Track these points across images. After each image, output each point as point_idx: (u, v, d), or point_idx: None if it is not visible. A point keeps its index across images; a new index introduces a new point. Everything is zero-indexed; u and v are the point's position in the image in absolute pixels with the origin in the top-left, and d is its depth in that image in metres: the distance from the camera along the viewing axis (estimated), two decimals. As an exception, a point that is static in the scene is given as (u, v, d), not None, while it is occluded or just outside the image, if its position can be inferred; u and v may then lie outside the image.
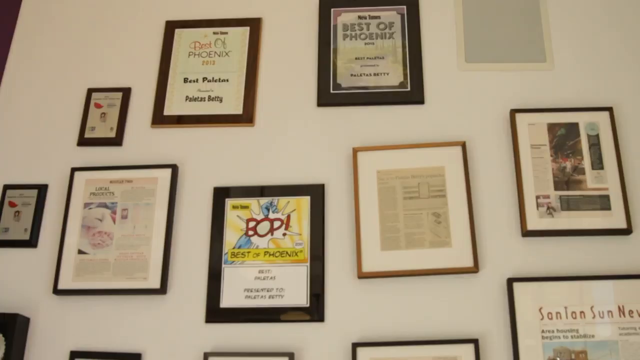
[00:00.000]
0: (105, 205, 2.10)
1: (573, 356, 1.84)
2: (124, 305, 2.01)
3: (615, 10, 2.25)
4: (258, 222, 2.03)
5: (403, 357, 1.85)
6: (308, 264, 1.97)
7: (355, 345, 1.87)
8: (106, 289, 2.01)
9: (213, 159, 2.15)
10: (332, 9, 2.29)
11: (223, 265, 2.00)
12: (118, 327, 1.99)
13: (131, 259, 2.02)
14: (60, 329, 2.00)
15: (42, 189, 2.16)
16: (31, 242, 2.09)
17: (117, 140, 2.20)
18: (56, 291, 2.01)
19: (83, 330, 1.99)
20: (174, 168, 2.11)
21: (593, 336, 1.86)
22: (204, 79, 2.26)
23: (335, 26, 2.27)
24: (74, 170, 2.15)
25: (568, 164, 2.03)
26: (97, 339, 1.98)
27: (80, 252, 2.05)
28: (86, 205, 2.10)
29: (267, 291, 1.95)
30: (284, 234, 2.01)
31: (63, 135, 2.24)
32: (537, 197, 1.99)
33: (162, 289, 1.98)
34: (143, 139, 2.21)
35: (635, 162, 2.04)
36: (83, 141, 2.22)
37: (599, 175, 2.01)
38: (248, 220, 2.04)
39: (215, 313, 1.95)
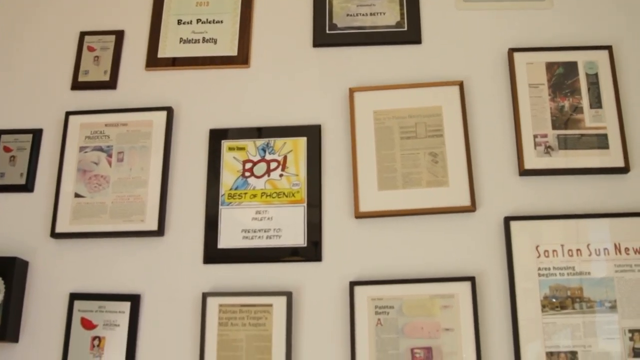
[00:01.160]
0: (100, 149, 2.08)
1: (569, 293, 1.85)
2: (122, 247, 2.01)
3: (616, -53, 2.20)
4: (254, 164, 2.02)
5: (400, 295, 1.86)
6: (305, 204, 1.96)
7: (352, 284, 1.88)
8: (104, 232, 2.01)
9: (208, 101, 2.13)
10: (327, -52, 2.24)
11: (220, 207, 1.99)
12: (116, 269, 1.99)
13: (128, 202, 2.01)
14: (58, 271, 2.00)
15: (36, 134, 2.14)
16: (27, 186, 2.08)
17: (111, 84, 2.18)
18: (54, 234, 2.01)
19: (82, 272, 2.00)
20: (169, 111, 2.09)
21: (589, 273, 1.86)
22: (198, 20, 2.22)
23: (330, -35, 2.22)
24: (68, 114, 2.13)
25: (566, 103, 2.01)
26: (96, 281, 1.99)
27: (77, 195, 2.04)
28: (81, 149, 2.09)
29: (265, 232, 1.95)
30: (281, 175, 2.00)
31: (57, 80, 2.22)
32: (535, 137, 1.98)
33: (160, 231, 1.98)
34: (137, 82, 2.19)
35: (633, 101, 2.02)
36: (77, 85, 2.19)
37: (597, 115, 2.00)
38: (244, 162, 2.03)
39: (213, 254, 1.96)
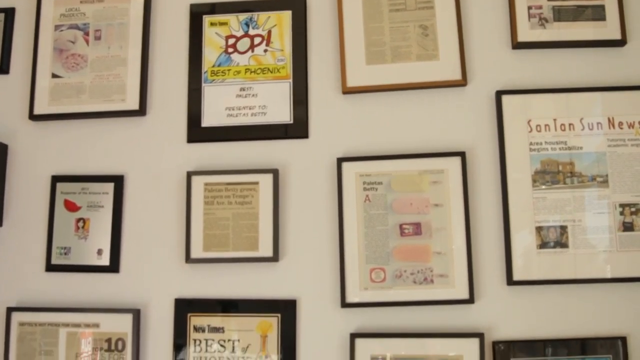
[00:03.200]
0: (77, 27, 2.00)
1: (560, 168, 1.82)
2: (104, 128, 1.96)
3: None
4: (238, 39, 1.94)
5: (389, 171, 1.83)
6: (291, 80, 1.90)
7: (340, 160, 1.84)
8: (83, 113, 1.95)
9: (187, -26, 2.03)
10: None
11: (203, 85, 1.93)
12: (98, 151, 1.95)
13: (107, 81, 1.94)
14: (39, 154, 1.96)
15: (9, 13, 2.05)
16: (2, 68, 2.01)
17: (84, -40, 2.06)
18: (32, 116, 1.95)
19: (63, 154, 1.95)
20: (146, -16, 1.99)
21: (581, 148, 1.83)
22: None
23: None
24: (40, -10, 2.03)
25: (562, -27, 1.92)
26: (78, 163, 1.94)
27: (54, 76, 1.97)
28: (57, 27, 2.01)
29: (250, 109, 1.89)
30: (265, 50, 1.92)
31: (27, -44, 2.10)
32: (529, 8, 1.91)
33: (141, 111, 1.92)
34: (112, -42, 2.07)
35: (634, -30, 1.93)
36: (47, -40, 2.08)
37: (595, -15, 1.91)
38: (227, 37, 1.95)
39: (197, 132, 1.91)
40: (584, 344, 1.74)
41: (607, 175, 1.80)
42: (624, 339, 1.74)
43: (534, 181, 1.81)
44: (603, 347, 1.75)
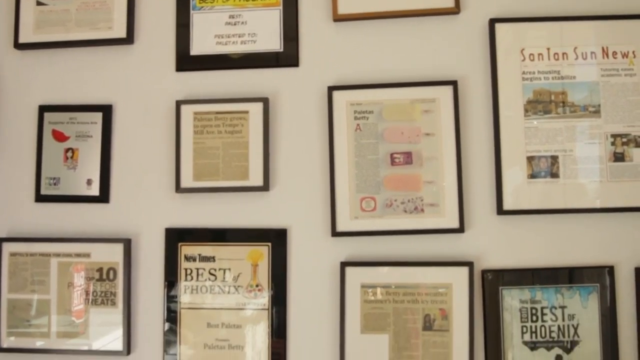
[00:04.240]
0: (61, -47, 1.94)
1: (552, 97, 1.81)
2: (91, 57, 1.93)
3: None
4: (226, -35, 1.90)
5: (380, 100, 1.81)
6: (281, 7, 1.87)
7: (331, 89, 1.82)
8: (70, 41, 1.91)
9: None
10: None
11: (191, 12, 1.89)
12: (86, 80, 1.92)
13: (94, 8, 1.91)
14: (25, 84, 1.93)
15: (-9, -62, 1.98)
16: (-15, -5, 1.95)
17: None
18: (17, 45, 1.92)
19: (50, 84, 1.92)
20: None
21: (574, 78, 1.81)
22: None
23: None
24: None
25: None
26: (66, 92, 1.92)
27: (38, 3, 1.94)
28: (40, -47, 1.94)
29: (239, 37, 1.86)
30: (255, -24, 1.88)
31: None
32: None
33: (129, 39, 1.89)
34: None
35: None
36: None
37: None
38: (215, -37, 1.90)
39: (186, 61, 1.88)
40: (571, 273, 1.76)
41: (599, 105, 1.78)
42: (611, 269, 1.76)
43: (526, 111, 1.79)
44: (590, 277, 1.76)
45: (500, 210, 1.77)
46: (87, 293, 1.82)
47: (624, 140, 1.78)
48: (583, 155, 1.78)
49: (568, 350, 1.75)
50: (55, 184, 1.86)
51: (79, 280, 1.83)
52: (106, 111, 1.87)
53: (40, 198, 1.87)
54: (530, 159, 1.78)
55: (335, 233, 1.78)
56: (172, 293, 1.81)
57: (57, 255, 1.84)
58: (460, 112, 1.79)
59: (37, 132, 1.89)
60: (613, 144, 1.78)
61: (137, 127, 1.87)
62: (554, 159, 1.78)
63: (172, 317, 1.80)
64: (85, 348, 1.81)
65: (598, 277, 1.76)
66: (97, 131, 1.87)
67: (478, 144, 1.79)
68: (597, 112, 1.78)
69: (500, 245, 1.78)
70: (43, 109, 1.89)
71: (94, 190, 1.85)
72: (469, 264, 1.75)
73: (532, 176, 1.78)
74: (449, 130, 1.78)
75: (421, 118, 1.79)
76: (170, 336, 1.80)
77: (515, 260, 1.77)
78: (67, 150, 1.87)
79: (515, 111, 1.79)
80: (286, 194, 1.82)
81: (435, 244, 1.78)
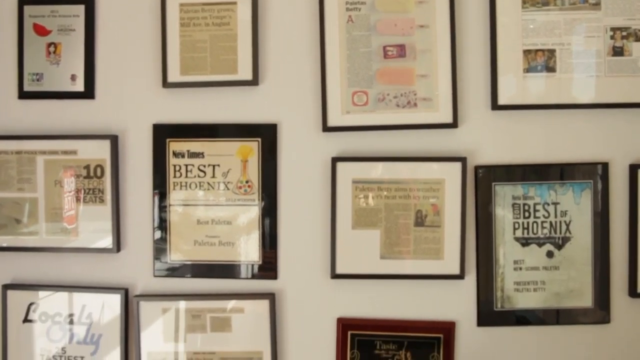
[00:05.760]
0: None
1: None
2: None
3: None
4: None
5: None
6: None
7: (322, -22, 1.74)
8: None
9: None
10: None
11: None
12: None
13: None
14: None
15: None
16: None
17: None
18: None
19: (29, -25, 1.83)
20: None
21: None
22: None
23: None
24: None
25: None
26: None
27: None
28: None
29: None
30: None
31: None
32: None
33: None
34: None
35: None
36: None
37: None
38: None
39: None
40: (565, 170, 1.74)
41: (600, -3, 1.73)
42: (605, 165, 1.74)
43: (524, 2, 1.74)
44: (584, 173, 1.74)
45: (495, 105, 1.73)
46: (76, 192, 1.79)
47: (624, 34, 1.73)
48: (581, 49, 1.74)
49: (559, 247, 1.75)
50: (38, 80, 1.81)
51: (66, 177, 1.79)
52: (89, 3, 1.80)
53: (23, 95, 1.82)
54: (526, 52, 1.73)
55: (326, 128, 1.74)
56: (161, 190, 1.78)
57: (43, 152, 1.81)
58: (456, 3, 1.73)
59: (17, 27, 1.81)
60: (612, 37, 1.73)
61: (122, 19, 1.80)
62: (551, 52, 1.73)
63: (161, 214, 1.78)
64: (75, 246, 1.79)
65: (592, 173, 1.74)
66: (80, 25, 1.80)
67: (474, 37, 1.74)
68: (597, 5, 1.73)
69: (494, 140, 1.75)
70: (22, 2, 1.83)
71: (79, 86, 1.80)
72: (462, 160, 1.72)
73: (528, 70, 1.74)
74: (443, 22, 1.72)
75: (415, 9, 1.73)
76: (160, 233, 1.78)
77: (509, 156, 1.75)
78: (49, 45, 1.81)
79: (512, 2, 1.72)
80: (276, 89, 1.77)
81: (428, 140, 1.75)
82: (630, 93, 1.73)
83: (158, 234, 1.78)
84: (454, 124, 1.72)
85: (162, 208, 1.78)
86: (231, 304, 1.78)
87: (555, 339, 1.77)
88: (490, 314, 1.76)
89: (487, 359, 1.78)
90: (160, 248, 1.78)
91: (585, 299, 1.76)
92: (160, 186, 1.78)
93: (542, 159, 1.74)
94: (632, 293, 1.75)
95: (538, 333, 1.77)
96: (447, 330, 1.76)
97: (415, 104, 1.73)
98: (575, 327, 1.76)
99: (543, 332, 1.77)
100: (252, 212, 1.76)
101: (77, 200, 1.79)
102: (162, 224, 1.78)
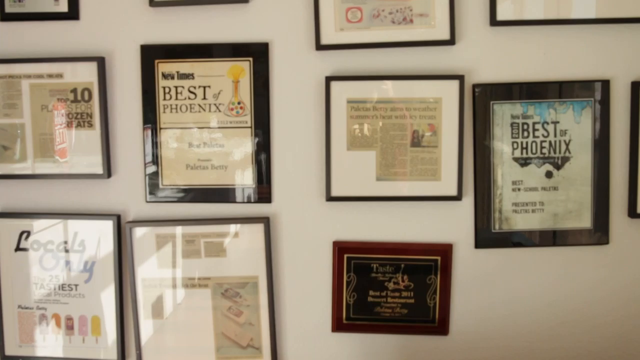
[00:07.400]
0: None
1: None
2: None
3: None
4: None
5: None
6: None
7: None
8: None
9: None
10: None
11: None
12: None
13: None
14: None
15: None
16: None
17: None
18: None
19: None
20: None
21: None
22: None
23: None
24: None
25: None
26: None
27: None
28: None
29: None
30: None
31: None
32: None
33: None
34: None
35: None
36: None
37: None
38: None
39: None
40: (565, 87, 1.69)
41: None
42: (606, 83, 1.69)
43: None
44: (585, 91, 1.70)
45: (494, 21, 1.68)
46: (62, 116, 1.74)
47: (630, -56, 1.66)
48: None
49: (558, 167, 1.72)
50: (20, 1, 1.74)
51: (52, 101, 1.74)
52: None
53: (5, 17, 1.76)
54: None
55: (319, 46, 1.69)
56: (150, 113, 1.73)
57: (28, 76, 1.75)
58: None
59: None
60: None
61: None
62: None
63: (151, 138, 1.74)
64: (64, 172, 1.75)
65: (593, 91, 1.69)
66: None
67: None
68: None
69: (492, 58, 1.70)
70: None
71: (62, 6, 1.74)
72: (460, 78, 1.68)
73: (528, -17, 1.67)
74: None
75: None
76: (151, 157, 1.74)
77: (507, 74, 1.70)
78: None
79: None
80: (267, 5, 1.71)
81: (425, 57, 1.70)
82: (633, 8, 1.67)
83: (149, 159, 1.74)
84: (451, 41, 1.67)
85: (153, 132, 1.74)
86: (225, 228, 1.75)
87: (553, 261, 1.75)
88: (488, 235, 1.74)
89: (485, 281, 1.76)
90: (151, 173, 1.74)
91: (584, 220, 1.73)
92: (150, 110, 1.72)
93: (542, 77, 1.70)
94: (632, 213, 1.72)
95: (536, 254, 1.75)
96: (444, 252, 1.74)
97: (411, 20, 1.67)
98: (573, 248, 1.74)
99: (541, 254, 1.75)
100: (244, 135, 1.72)
101: (65, 125, 1.74)
102: (153, 149, 1.74)
